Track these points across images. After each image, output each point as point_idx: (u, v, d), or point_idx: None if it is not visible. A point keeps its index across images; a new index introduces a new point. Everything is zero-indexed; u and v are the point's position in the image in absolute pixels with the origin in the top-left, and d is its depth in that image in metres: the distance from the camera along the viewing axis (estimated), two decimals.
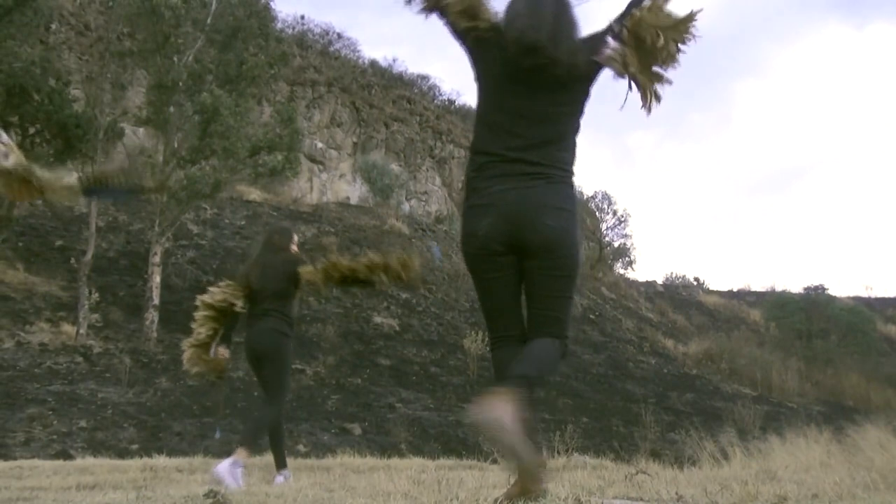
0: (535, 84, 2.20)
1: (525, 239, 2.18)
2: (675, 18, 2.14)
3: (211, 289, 4.89)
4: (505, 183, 2.19)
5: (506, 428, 1.93)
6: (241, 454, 4.38)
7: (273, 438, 4.83)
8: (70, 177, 2.68)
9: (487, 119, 2.29)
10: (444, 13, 2.29)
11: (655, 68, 2.18)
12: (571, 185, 2.26)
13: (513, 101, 2.23)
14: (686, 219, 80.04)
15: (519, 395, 1.99)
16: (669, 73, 2.21)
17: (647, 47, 2.13)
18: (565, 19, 2.23)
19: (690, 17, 2.14)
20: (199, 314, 4.80)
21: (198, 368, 4.76)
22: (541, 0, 2.22)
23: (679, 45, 2.15)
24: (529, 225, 2.17)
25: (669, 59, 2.16)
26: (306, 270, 4.72)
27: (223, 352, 4.86)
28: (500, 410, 1.95)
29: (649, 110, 2.20)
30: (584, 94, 2.28)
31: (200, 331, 4.77)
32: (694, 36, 2.15)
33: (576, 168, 2.28)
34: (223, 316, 4.78)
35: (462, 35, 2.29)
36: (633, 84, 2.21)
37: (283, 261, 4.91)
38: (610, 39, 2.20)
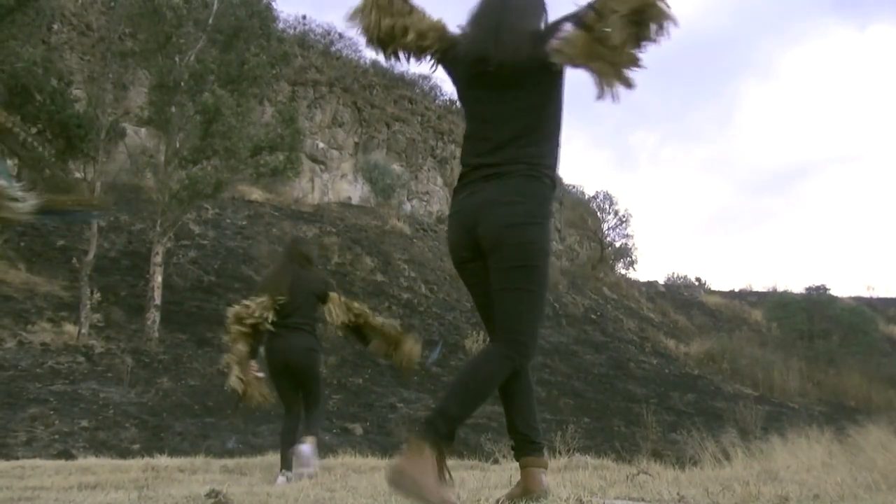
0: (490, 87, 2.23)
1: (478, 240, 2.21)
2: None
3: (244, 302, 4.83)
4: (466, 190, 2.26)
5: (423, 490, 1.91)
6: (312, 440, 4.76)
7: (285, 440, 4.84)
8: (24, 203, 2.60)
9: (466, 130, 2.37)
10: (406, 51, 2.38)
11: (617, 53, 2.01)
12: (532, 176, 2.18)
13: (477, 108, 2.29)
14: (687, 219, 80.00)
15: (431, 445, 1.97)
16: (642, 56, 2.04)
17: (608, 32, 2.00)
18: (509, 19, 2.23)
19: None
20: (233, 329, 4.72)
21: (242, 389, 4.69)
22: (485, 8, 2.28)
23: (649, 27, 2.00)
24: (478, 225, 2.19)
25: (632, 41, 2.00)
26: (335, 297, 4.79)
27: (255, 367, 4.86)
28: (416, 471, 1.93)
29: (611, 98, 2.04)
30: (549, 84, 2.24)
31: (239, 348, 4.72)
32: (669, 19, 1.98)
33: (553, 157, 2.24)
34: (256, 331, 4.76)
35: (426, 56, 2.38)
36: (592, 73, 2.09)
37: (315, 278, 4.97)
38: (566, 27, 2.09)
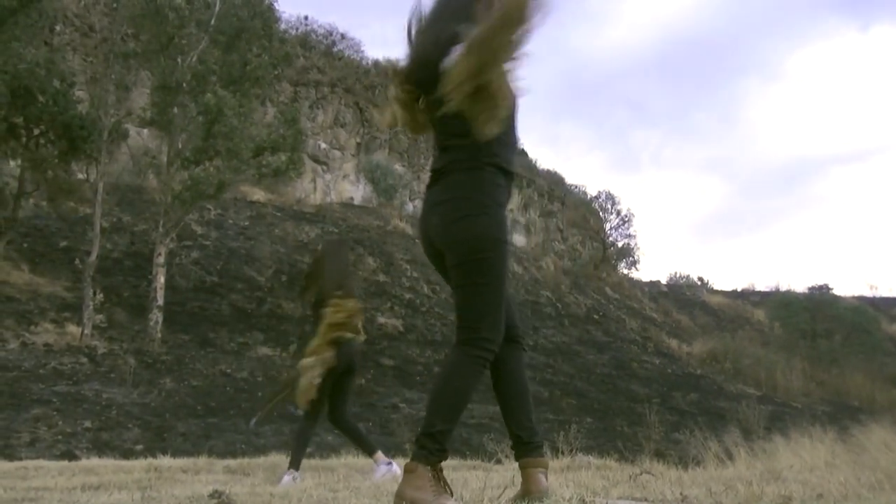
0: (425, 94, 2.23)
1: (434, 244, 2.22)
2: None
3: (332, 307, 4.74)
4: (425, 198, 2.29)
5: None
6: (378, 457, 4.84)
7: (301, 439, 4.82)
8: None
9: None
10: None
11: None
12: (473, 168, 2.14)
13: (431, 114, 2.27)
14: (690, 218, 79.91)
15: (424, 463, 2.02)
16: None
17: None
18: (426, 21, 2.22)
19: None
20: (331, 336, 4.67)
21: (309, 396, 4.65)
22: (412, 28, 2.25)
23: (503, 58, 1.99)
24: (429, 229, 2.21)
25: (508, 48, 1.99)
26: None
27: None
28: (411, 491, 1.98)
29: (483, 134, 2.04)
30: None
31: (328, 355, 4.67)
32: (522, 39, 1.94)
33: (500, 145, 2.16)
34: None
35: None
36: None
37: (357, 282, 4.98)
38: (456, 49, 2.06)
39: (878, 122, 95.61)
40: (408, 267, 19.33)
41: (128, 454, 7.83)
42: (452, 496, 2.03)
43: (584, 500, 2.33)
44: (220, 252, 16.49)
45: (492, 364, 2.18)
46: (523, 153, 31.48)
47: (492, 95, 2.01)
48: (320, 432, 10.22)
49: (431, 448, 2.04)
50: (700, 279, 36.08)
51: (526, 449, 2.25)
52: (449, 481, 2.12)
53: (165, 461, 5.90)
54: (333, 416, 4.99)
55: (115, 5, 14.07)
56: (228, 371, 12.16)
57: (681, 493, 2.75)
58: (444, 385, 2.12)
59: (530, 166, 30.75)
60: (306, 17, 26.86)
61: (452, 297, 2.27)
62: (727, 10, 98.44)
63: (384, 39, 52.55)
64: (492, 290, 2.09)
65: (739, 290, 36.80)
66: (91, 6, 18.26)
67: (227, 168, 12.97)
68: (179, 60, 13.04)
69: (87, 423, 8.98)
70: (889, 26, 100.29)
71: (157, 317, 12.54)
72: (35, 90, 11.73)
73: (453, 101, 2.02)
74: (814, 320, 27.11)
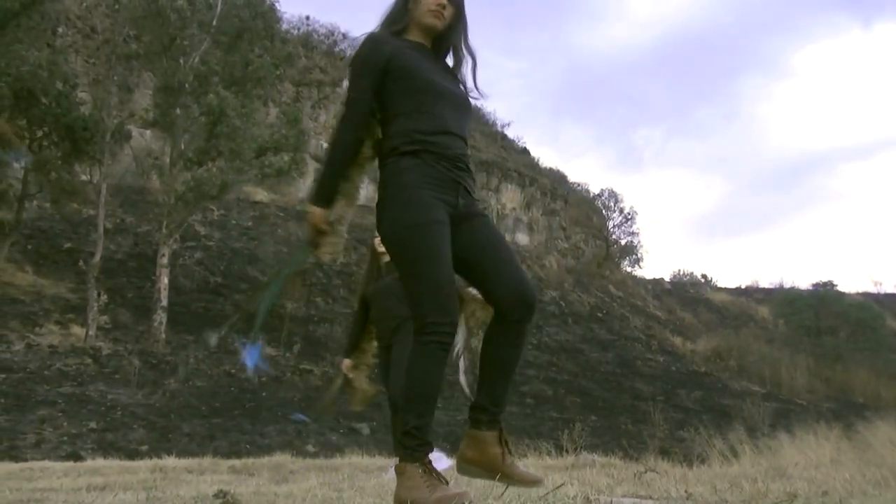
0: None
1: None
2: None
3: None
4: None
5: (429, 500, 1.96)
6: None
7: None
8: None
9: None
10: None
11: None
12: (382, 166, 2.15)
13: None
14: (693, 215, 79.84)
15: (410, 462, 2.03)
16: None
17: None
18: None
19: None
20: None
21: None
22: None
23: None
24: None
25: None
26: None
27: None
28: (406, 492, 1.99)
29: None
30: (380, 87, 2.18)
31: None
32: None
33: (397, 136, 2.12)
34: None
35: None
36: None
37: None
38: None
39: (882, 119, 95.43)
40: None
41: (133, 455, 7.85)
42: (448, 484, 2.03)
43: (588, 499, 2.33)
44: (223, 252, 16.51)
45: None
46: (525, 152, 31.49)
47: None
48: (324, 431, 10.24)
49: (412, 445, 2.04)
50: (704, 276, 36.05)
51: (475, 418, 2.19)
52: (455, 479, 2.12)
53: (170, 461, 5.91)
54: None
55: (116, 7, 14.08)
56: (232, 371, 12.18)
57: (686, 491, 2.75)
58: (408, 380, 2.12)
59: (533, 165, 30.75)
60: (308, 18, 26.79)
61: None
62: (729, 6, 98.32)
63: None
64: (419, 274, 2.06)
65: (743, 287, 36.74)
66: (93, 8, 18.28)
67: (229, 168, 12.99)
68: (181, 61, 13.05)
69: (92, 424, 9.00)
70: (892, 23, 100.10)
71: (161, 317, 12.56)
72: (38, 92, 11.76)
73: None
74: (818, 317, 27.05)
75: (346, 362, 4.63)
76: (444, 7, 2.19)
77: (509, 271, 2.14)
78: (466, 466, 2.19)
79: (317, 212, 2.14)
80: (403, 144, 2.11)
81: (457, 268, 2.12)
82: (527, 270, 23.04)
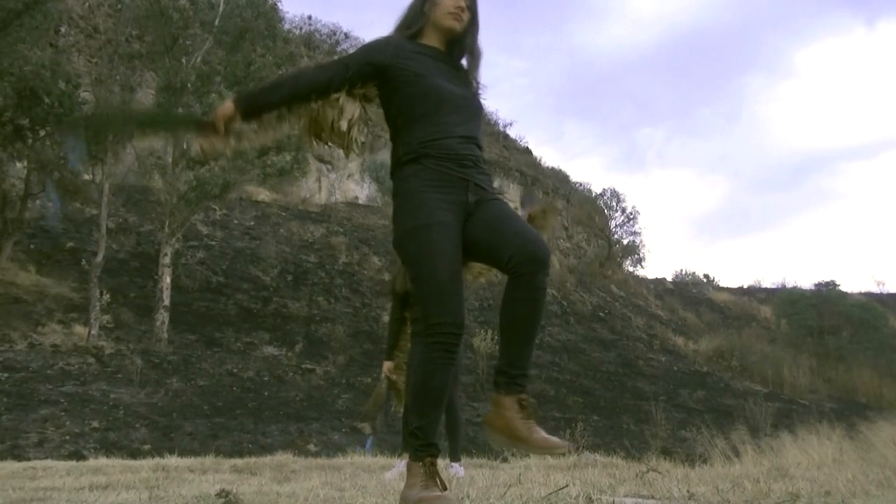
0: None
1: None
2: None
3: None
4: None
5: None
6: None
7: (450, 429, 4.73)
8: None
9: None
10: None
11: None
12: (392, 180, 2.23)
13: None
14: (695, 215, 79.77)
15: (415, 461, 2.06)
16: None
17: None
18: None
19: None
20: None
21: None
22: None
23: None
24: None
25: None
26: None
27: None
28: (405, 491, 2.04)
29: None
30: (385, 95, 2.25)
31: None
32: None
33: (403, 145, 2.20)
34: None
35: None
36: None
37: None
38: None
39: (885, 118, 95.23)
40: None
41: (135, 454, 7.86)
42: (445, 489, 2.04)
43: (590, 498, 2.33)
44: (225, 252, 16.53)
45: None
46: (527, 151, 31.47)
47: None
48: (326, 431, 10.25)
49: (415, 445, 2.07)
50: (706, 276, 35.92)
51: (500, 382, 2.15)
52: (457, 479, 2.12)
53: (173, 461, 5.91)
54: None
55: (119, 7, 14.11)
56: (235, 371, 12.19)
57: (688, 491, 2.75)
58: (413, 380, 2.17)
59: (535, 164, 30.73)
60: (310, 17, 26.82)
61: None
62: (732, 6, 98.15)
63: None
64: (422, 275, 2.08)
65: (746, 286, 36.62)
66: (95, 8, 18.32)
67: (231, 168, 13.00)
68: (184, 61, 13.07)
69: (95, 424, 9.02)
70: (895, 23, 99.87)
71: (163, 317, 12.58)
72: (41, 92, 11.77)
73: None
74: (821, 317, 26.99)
75: (388, 365, 4.58)
76: (462, 10, 2.20)
77: (518, 234, 2.11)
78: (491, 433, 2.16)
79: (228, 108, 2.15)
80: (406, 154, 2.16)
81: (472, 250, 2.12)
82: None
